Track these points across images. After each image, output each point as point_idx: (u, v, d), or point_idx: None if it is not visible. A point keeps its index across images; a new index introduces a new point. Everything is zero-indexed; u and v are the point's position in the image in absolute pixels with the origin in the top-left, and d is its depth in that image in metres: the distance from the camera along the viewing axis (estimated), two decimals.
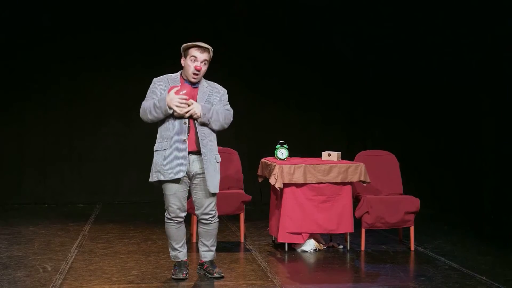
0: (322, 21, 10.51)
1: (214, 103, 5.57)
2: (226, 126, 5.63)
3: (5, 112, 10.24)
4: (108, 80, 10.40)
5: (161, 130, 5.59)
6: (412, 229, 7.04)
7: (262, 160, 7.35)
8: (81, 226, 8.35)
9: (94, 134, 10.44)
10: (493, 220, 8.90)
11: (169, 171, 5.50)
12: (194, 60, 5.47)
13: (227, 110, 5.63)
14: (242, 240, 7.36)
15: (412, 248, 7.05)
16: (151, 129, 10.19)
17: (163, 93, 5.52)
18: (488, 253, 6.99)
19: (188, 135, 5.49)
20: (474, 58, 9.39)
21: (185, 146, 5.47)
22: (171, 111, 5.43)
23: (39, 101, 10.30)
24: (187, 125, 5.49)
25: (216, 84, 5.69)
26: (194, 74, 5.49)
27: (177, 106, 5.39)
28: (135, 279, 5.80)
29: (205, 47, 5.50)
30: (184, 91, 5.41)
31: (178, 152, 5.48)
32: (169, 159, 5.49)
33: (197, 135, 5.49)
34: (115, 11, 10.34)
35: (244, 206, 7.31)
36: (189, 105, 5.40)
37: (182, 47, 5.54)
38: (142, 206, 10.05)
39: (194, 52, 5.48)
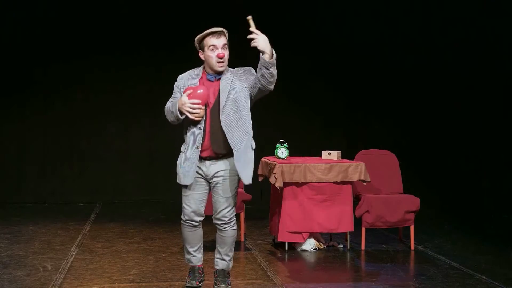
0: (323, 21, 10.51)
1: (241, 84, 5.16)
2: (272, 84, 5.08)
3: (5, 112, 10.24)
4: (108, 80, 10.39)
5: (183, 132, 5.29)
6: (412, 228, 7.04)
7: (262, 159, 7.35)
8: (81, 225, 8.35)
9: (95, 134, 10.44)
10: (493, 219, 8.90)
11: (181, 176, 5.23)
12: (214, 49, 5.12)
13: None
14: (242, 239, 7.36)
15: (412, 247, 7.05)
16: (150, 130, 10.32)
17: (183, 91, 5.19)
18: (488, 252, 6.99)
19: (203, 141, 5.16)
20: (475, 57, 9.39)
21: (197, 152, 5.15)
22: (183, 117, 5.11)
23: (39, 101, 10.30)
24: (202, 130, 5.14)
25: (238, 68, 5.31)
26: (219, 62, 5.12)
27: (189, 112, 5.05)
28: (135, 278, 5.80)
29: (220, 31, 5.17)
30: (200, 91, 5.06)
31: (190, 158, 5.18)
32: (182, 163, 5.22)
33: (213, 135, 5.14)
34: (114, 12, 10.33)
35: (244, 205, 7.31)
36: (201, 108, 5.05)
37: (196, 40, 5.19)
38: (142, 205, 10.05)
39: (210, 41, 5.13)
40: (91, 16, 10.29)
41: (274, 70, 5.04)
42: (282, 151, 7.11)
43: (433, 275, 5.99)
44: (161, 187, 10.22)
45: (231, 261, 5.44)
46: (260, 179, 7.44)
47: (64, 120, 10.37)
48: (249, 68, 5.30)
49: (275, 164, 6.85)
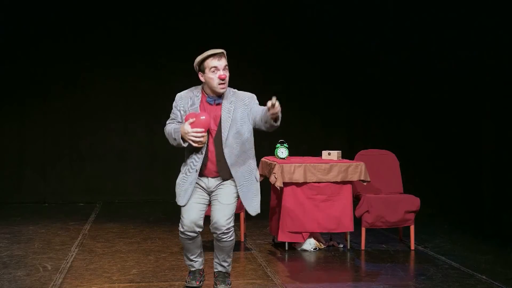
0: (323, 20, 10.50)
1: (244, 116, 5.17)
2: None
3: (5, 112, 10.24)
4: (108, 80, 10.40)
5: (185, 154, 5.28)
6: (412, 228, 7.04)
7: (262, 159, 7.35)
8: (81, 225, 8.35)
9: (94, 134, 10.44)
10: (493, 219, 8.89)
11: (177, 195, 5.25)
12: (216, 70, 5.08)
13: None
14: (242, 239, 7.36)
15: (412, 247, 7.05)
16: (150, 130, 10.31)
17: (183, 113, 5.19)
18: (488, 252, 6.99)
19: (204, 166, 5.14)
20: (475, 57, 9.38)
21: (195, 175, 5.16)
22: (186, 145, 5.09)
23: (39, 101, 10.30)
24: (203, 155, 5.13)
25: (242, 93, 5.29)
26: (221, 84, 5.10)
27: (192, 141, 5.05)
28: (135, 278, 5.80)
29: (220, 53, 5.12)
30: (203, 118, 5.05)
31: (187, 180, 5.19)
32: (180, 182, 5.23)
33: (219, 163, 5.15)
34: (114, 12, 10.33)
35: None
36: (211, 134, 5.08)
37: (196, 63, 5.14)
38: (142, 205, 10.05)
39: (212, 62, 5.09)
40: (91, 17, 10.29)
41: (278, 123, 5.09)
42: (282, 151, 7.11)
43: (433, 275, 5.99)
44: (161, 187, 10.22)
45: (230, 266, 5.43)
46: (260, 179, 7.43)
47: (64, 120, 10.37)
48: (252, 95, 5.28)
49: (275, 164, 6.85)
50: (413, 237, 7.05)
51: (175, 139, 5.14)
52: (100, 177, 10.42)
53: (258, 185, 5.32)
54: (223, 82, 5.11)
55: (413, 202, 7.03)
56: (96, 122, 10.44)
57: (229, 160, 5.14)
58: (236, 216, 7.50)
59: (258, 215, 8.48)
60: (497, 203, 9.02)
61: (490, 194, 9.21)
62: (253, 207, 5.27)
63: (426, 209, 7.80)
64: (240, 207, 7.18)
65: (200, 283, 5.45)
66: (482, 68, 9.32)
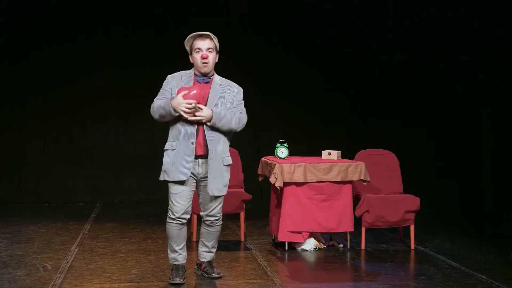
0: (325, 21, 10.51)
1: (227, 102, 5.41)
2: (238, 130, 5.45)
3: (5, 112, 10.24)
4: (108, 80, 10.39)
5: (171, 130, 5.44)
6: (412, 228, 7.04)
7: (262, 159, 7.35)
8: (81, 225, 8.35)
9: (94, 134, 10.44)
10: (493, 219, 8.90)
11: (175, 172, 5.39)
12: (199, 51, 5.34)
13: (240, 113, 5.44)
14: (242, 239, 7.36)
15: (412, 247, 7.05)
16: (150, 129, 10.31)
17: (174, 91, 5.35)
18: (488, 251, 6.99)
19: (196, 138, 5.35)
20: (475, 57, 9.39)
21: (192, 148, 5.33)
22: (177, 114, 5.27)
23: (39, 101, 10.30)
24: (196, 127, 5.34)
25: (231, 82, 5.53)
26: (203, 63, 5.34)
27: (184, 112, 5.24)
28: (135, 278, 5.80)
29: (205, 34, 5.39)
30: (194, 92, 5.26)
31: (185, 154, 5.34)
32: (175, 159, 5.37)
33: (205, 138, 5.37)
34: (114, 12, 10.33)
35: (244, 205, 7.31)
36: (197, 110, 5.24)
37: (185, 44, 5.42)
38: (142, 205, 10.05)
39: (196, 44, 5.36)
40: (91, 17, 10.29)
41: (224, 126, 5.37)
42: (282, 151, 7.11)
43: (433, 275, 5.99)
44: (161, 187, 10.14)
45: (215, 253, 5.79)
46: (260, 179, 7.44)
47: (64, 120, 10.37)
48: (240, 89, 5.54)
49: (275, 164, 6.85)
50: (413, 237, 7.05)
51: (164, 109, 5.30)
52: (100, 177, 10.42)
53: (227, 168, 5.48)
54: (205, 61, 5.34)
55: (413, 202, 7.03)
56: (96, 122, 10.44)
57: (208, 138, 5.35)
58: (236, 216, 7.54)
59: (258, 215, 8.49)
60: (497, 203, 9.02)
61: (490, 194, 9.22)
62: (216, 187, 5.42)
63: (426, 209, 7.81)
64: (240, 206, 7.23)
65: (184, 279, 5.55)
66: (482, 68, 9.33)
